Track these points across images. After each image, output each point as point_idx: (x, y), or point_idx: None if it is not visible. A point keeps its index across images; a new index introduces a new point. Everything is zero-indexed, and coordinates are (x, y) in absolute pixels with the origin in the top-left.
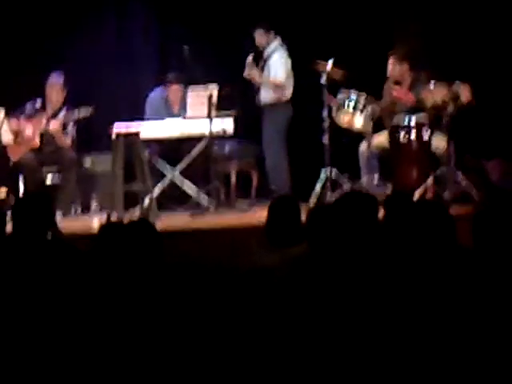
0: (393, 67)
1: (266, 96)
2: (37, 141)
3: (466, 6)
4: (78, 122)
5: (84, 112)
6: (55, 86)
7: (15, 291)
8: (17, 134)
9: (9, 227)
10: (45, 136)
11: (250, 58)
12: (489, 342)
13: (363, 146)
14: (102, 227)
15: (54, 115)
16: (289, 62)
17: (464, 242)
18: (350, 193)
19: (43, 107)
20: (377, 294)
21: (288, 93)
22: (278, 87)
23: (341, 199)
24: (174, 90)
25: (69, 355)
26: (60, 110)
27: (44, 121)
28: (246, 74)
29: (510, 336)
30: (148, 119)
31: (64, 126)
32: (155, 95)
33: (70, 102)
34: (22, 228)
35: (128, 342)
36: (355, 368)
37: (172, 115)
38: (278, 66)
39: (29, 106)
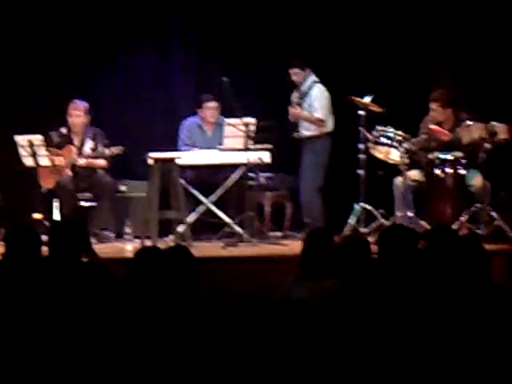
0: (437, 113)
1: (307, 129)
2: (68, 171)
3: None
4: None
5: (116, 150)
6: (79, 111)
7: (51, 311)
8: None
9: (44, 251)
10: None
11: (294, 97)
12: None
13: (398, 180)
14: (139, 252)
15: (82, 144)
16: (328, 96)
17: (497, 279)
18: (391, 226)
19: (69, 135)
20: (405, 327)
21: (329, 126)
22: (318, 123)
23: (383, 233)
24: (210, 107)
25: (100, 375)
26: (85, 135)
27: (74, 151)
28: (291, 114)
29: None
30: (182, 146)
31: (94, 157)
32: (190, 122)
33: (107, 130)
34: (58, 251)
35: (161, 363)
36: None
37: (206, 140)
38: (317, 103)
39: (54, 135)
